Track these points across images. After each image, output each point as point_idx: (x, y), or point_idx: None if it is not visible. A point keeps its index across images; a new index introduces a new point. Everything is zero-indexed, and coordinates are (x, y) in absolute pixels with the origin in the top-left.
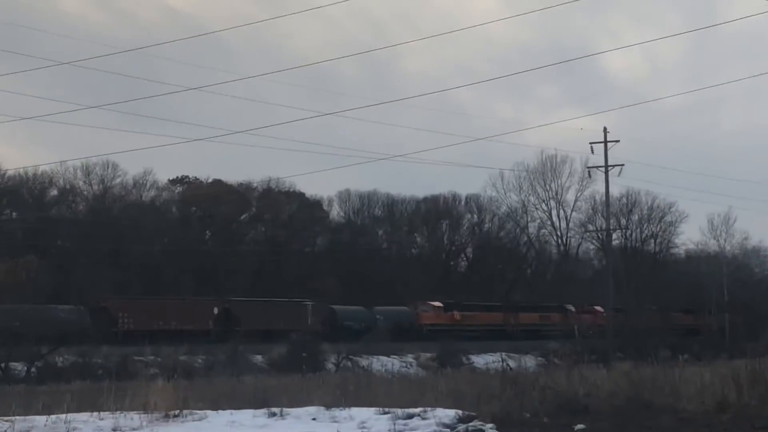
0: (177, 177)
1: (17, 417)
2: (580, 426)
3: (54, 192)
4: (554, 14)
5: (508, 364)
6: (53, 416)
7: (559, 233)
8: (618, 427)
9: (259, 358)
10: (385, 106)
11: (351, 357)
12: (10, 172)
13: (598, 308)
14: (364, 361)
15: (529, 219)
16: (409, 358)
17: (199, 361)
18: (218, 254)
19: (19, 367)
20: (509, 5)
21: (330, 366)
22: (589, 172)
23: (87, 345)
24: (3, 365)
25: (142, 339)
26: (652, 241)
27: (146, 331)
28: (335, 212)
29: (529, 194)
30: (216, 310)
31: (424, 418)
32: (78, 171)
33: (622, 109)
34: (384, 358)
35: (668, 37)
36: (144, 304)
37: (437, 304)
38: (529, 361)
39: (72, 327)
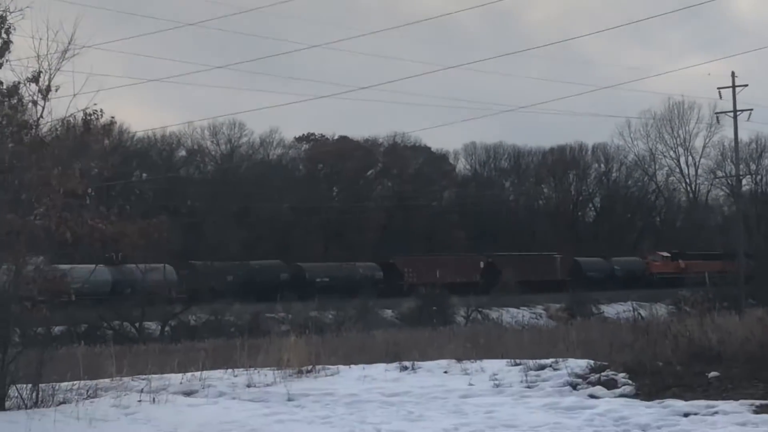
0: (303, 135)
1: (153, 375)
2: (714, 373)
3: (182, 153)
4: None
5: (639, 313)
6: (188, 374)
7: (687, 180)
8: (752, 373)
9: (389, 312)
10: (509, 58)
11: (480, 309)
12: (139, 134)
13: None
14: (493, 314)
15: (657, 167)
16: (539, 309)
17: (330, 316)
18: (346, 210)
19: (153, 326)
20: None
21: (459, 319)
22: (717, 117)
23: (380, 298)
24: (138, 325)
25: (425, 290)
26: None
27: (426, 283)
28: (461, 165)
29: (657, 142)
30: (482, 264)
31: (555, 369)
32: (205, 131)
33: (751, 53)
34: (513, 310)
35: None
36: (424, 261)
37: (665, 254)
38: (660, 310)
39: (368, 282)
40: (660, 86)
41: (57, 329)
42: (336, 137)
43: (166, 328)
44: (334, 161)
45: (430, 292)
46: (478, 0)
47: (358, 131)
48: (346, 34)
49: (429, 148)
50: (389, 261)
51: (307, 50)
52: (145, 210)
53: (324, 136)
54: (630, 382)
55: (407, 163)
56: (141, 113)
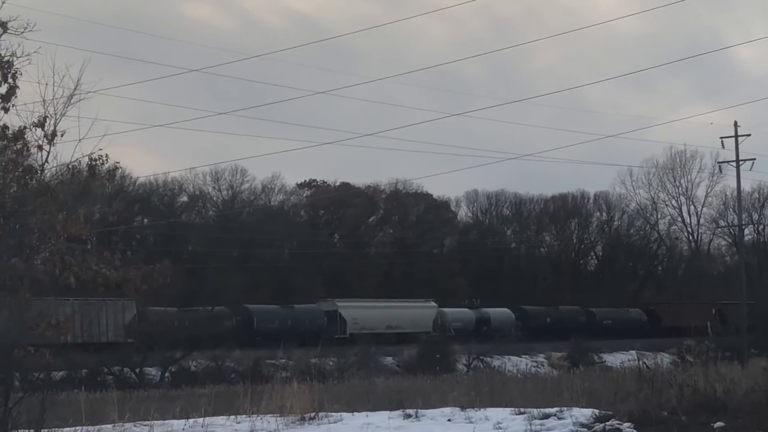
0: (305, 181)
1: (156, 421)
2: (719, 424)
3: (184, 198)
4: (681, 8)
5: (644, 362)
6: (191, 420)
7: (690, 229)
8: (758, 423)
9: (389, 359)
10: (512, 106)
11: (482, 357)
12: (141, 180)
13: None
14: (496, 362)
15: (659, 216)
16: (540, 357)
17: (330, 363)
18: (347, 257)
19: (153, 371)
20: (635, 0)
21: (461, 367)
22: (719, 167)
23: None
24: (138, 370)
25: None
26: None
27: (680, 325)
28: (463, 213)
29: (659, 191)
30: (713, 311)
31: (560, 418)
32: (207, 177)
33: (753, 103)
34: (515, 358)
35: None
36: (674, 307)
37: None
38: (664, 359)
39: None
40: (662, 135)
41: (57, 374)
42: (338, 183)
43: (167, 374)
44: (335, 207)
45: (431, 339)
46: (481, 48)
47: (359, 178)
48: (349, 81)
49: (431, 195)
50: (651, 307)
51: (309, 97)
52: (146, 255)
53: (326, 182)
54: (635, 431)
55: (409, 210)
56: (143, 159)
